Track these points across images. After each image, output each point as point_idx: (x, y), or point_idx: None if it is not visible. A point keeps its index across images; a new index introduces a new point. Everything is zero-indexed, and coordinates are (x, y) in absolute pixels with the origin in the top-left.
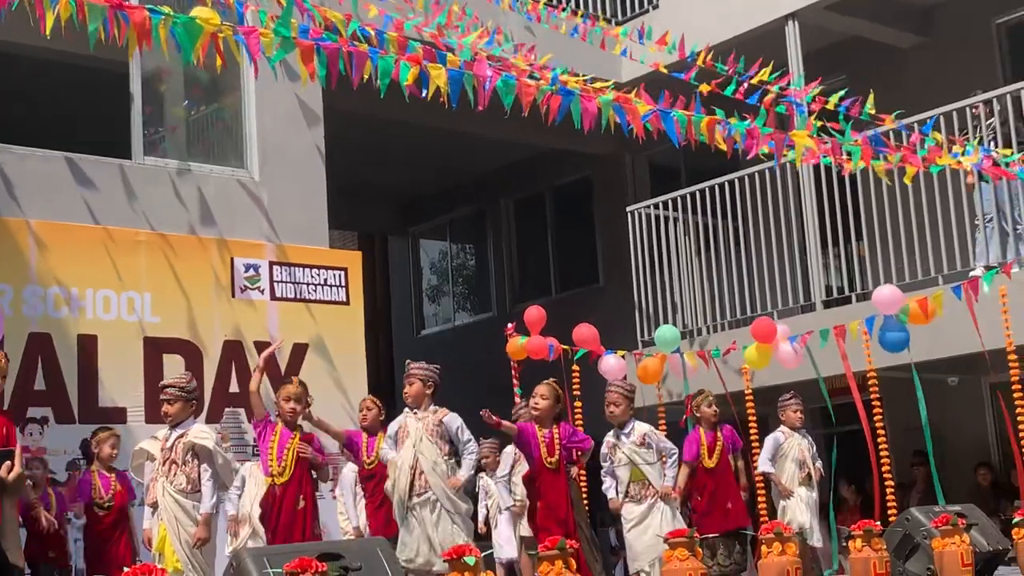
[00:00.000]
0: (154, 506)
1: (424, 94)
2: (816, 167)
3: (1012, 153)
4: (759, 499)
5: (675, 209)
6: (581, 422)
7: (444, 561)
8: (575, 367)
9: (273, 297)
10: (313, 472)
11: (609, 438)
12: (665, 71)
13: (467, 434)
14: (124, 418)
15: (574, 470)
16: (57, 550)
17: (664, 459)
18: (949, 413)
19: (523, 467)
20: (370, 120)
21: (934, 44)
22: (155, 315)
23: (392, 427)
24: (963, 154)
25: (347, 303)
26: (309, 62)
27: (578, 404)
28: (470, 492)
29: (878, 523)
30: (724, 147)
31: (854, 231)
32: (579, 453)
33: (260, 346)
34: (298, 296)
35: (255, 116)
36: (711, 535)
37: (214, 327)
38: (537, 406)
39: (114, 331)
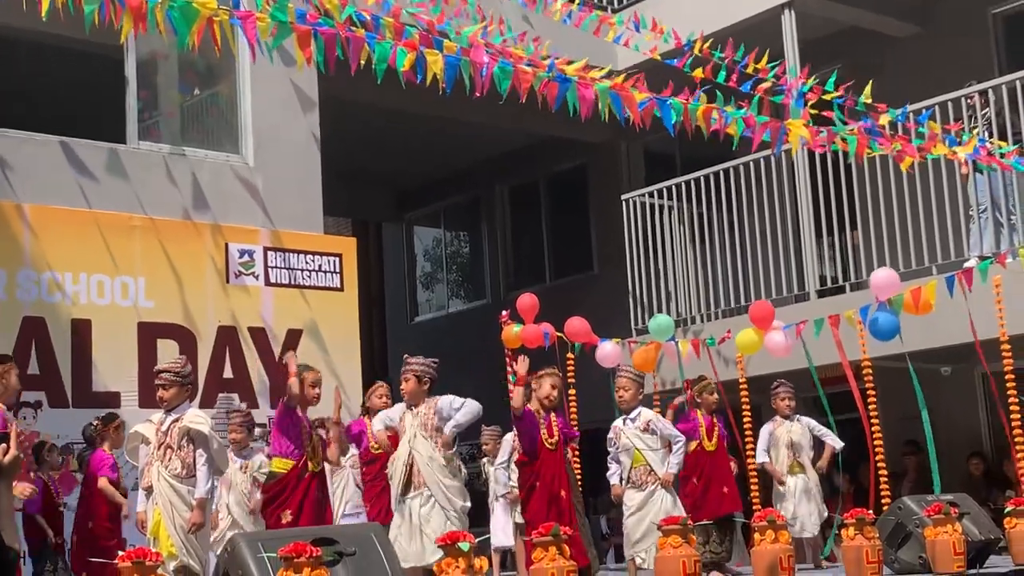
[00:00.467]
0: (148, 490)
1: (420, 80)
2: (811, 156)
3: (1007, 144)
4: (751, 488)
5: (670, 197)
6: (575, 410)
7: (438, 546)
8: (569, 355)
9: (267, 283)
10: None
11: (616, 423)
12: (660, 59)
13: (458, 401)
14: (118, 402)
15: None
16: (56, 535)
17: (670, 446)
18: (942, 403)
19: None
20: (365, 107)
21: (930, 34)
22: (149, 300)
23: (391, 412)
24: (960, 141)
25: (341, 289)
26: (306, 47)
27: (572, 392)
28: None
29: (871, 512)
30: (732, 133)
31: (848, 220)
32: (568, 440)
33: (254, 332)
34: (292, 282)
35: (250, 102)
36: (705, 521)
37: (208, 312)
38: (550, 397)
39: (108, 316)
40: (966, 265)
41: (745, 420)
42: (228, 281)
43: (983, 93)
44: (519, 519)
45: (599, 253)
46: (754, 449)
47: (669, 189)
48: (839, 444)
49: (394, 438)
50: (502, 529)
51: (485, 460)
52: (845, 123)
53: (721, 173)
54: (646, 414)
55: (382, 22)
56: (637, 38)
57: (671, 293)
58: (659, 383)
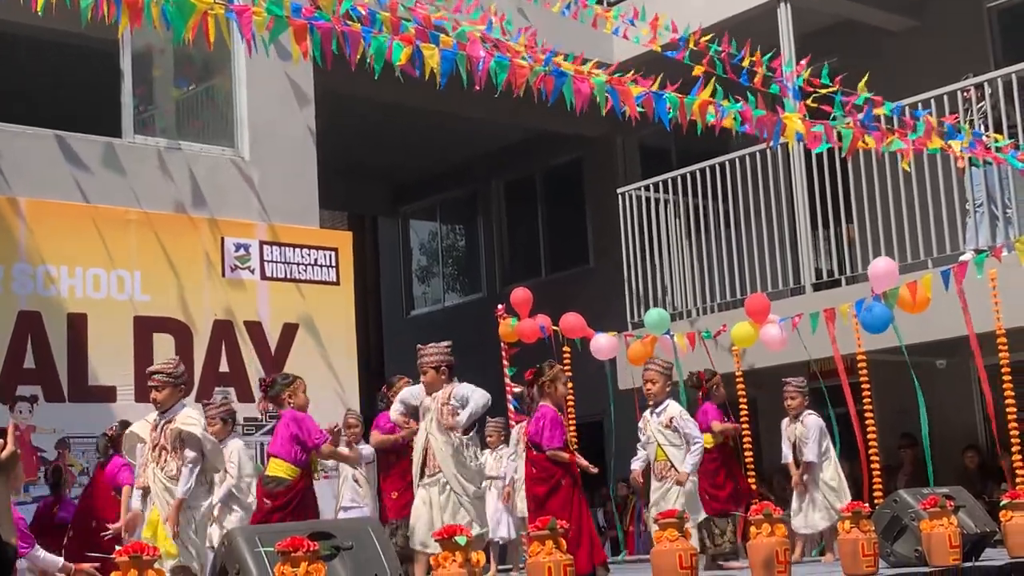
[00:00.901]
0: (145, 491)
1: (417, 74)
2: (807, 150)
3: (1002, 138)
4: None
5: (666, 191)
6: (572, 402)
7: (436, 541)
8: (566, 348)
9: (263, 277)
10: None
11: (645, 413)
12: (659, 50)
13: (474, 391)
14: (114, 397)
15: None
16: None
17: (689, 446)
18: (937, 396)
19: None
20: (361, 101)
21: (925, 27)
22: (145, 294)
23: (414, 389)
24: (957, 135)
25: (337, 283)
26: (302, 41)
27: (569, 385)
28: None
29: (866, 505)
30: (728, 127)
31: (844, 214)
32: None
33: (250, 326)
34: (288, 276)
35: (246, 96)
36: (718, 514)
37: (204, 306)
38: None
39: (104, 309)
40: (962, 259)
41: (742, 413)
42: (224, 275)
43: (979, 87)
44: (522, 512)
45: (595, 247)
46: (751, 443)
47: (665, 183)
48: (811, 457)
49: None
50: (497, 522)
51: (488, 451)
52: (844, 115)
53: (717, 167)
54: (671, 409)
55: (379, 16)
56: (634, 31)
57: (667, 286)
58: None
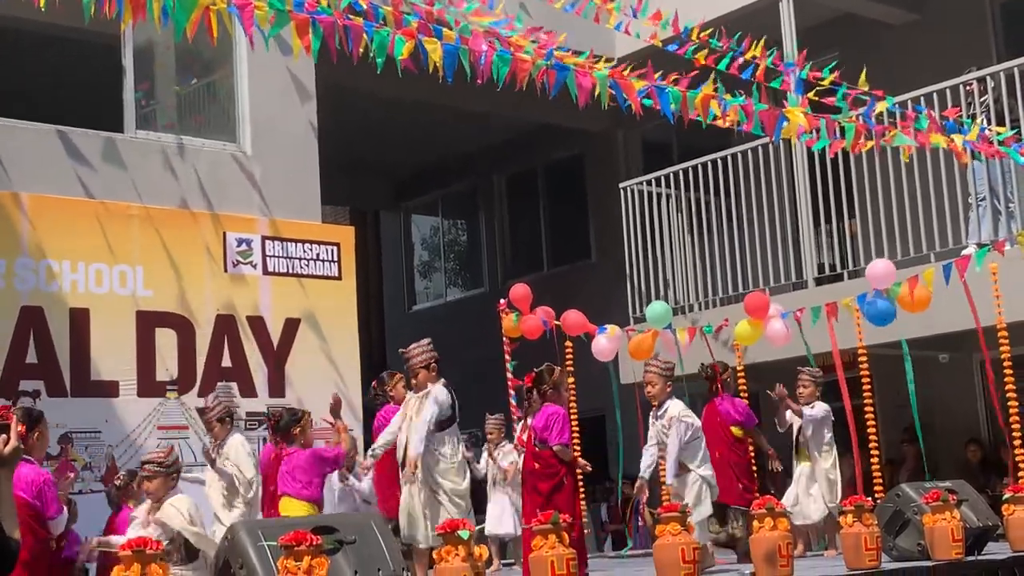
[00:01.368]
0: None
1: (421, 68)
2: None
3: (1005, 131)
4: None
5: (667, 185)
6: (574, 397)
7: (437, 535)
8: (568, 343)
9: (265, 271)
10: None
11: (651, 415)
12: (660, 45)
13: (438, 392)
14: (116, 392)
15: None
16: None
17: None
18: (939, 390)
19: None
20: (363, 95)
21: (927, 21)
22: (147, 289)
23: (391, 426)
24: (959, 129)
25: (339, 278)
26: (304, 35)
27: (571, 380)
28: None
29: (869, 499)
30: (723, 124)
31: (847, 208)
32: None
33: (252, 321)
34: (290, 271)
35: (248, 91)
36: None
37: (206, 301)
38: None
39: (106, 305)
40: (964, 253)
41: None
42: (226, 270)
43: (981, 80)
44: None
45: (597, 241)
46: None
47: (667, 177)
48: (808, 416)
49: None
50: (498, 517)
51: (486, 446)
52: (847, 110)
53: (719, 161)
54: (672, 409)
55: (381, 10)
56: (636, 25)
57: (669, 281)
58: None
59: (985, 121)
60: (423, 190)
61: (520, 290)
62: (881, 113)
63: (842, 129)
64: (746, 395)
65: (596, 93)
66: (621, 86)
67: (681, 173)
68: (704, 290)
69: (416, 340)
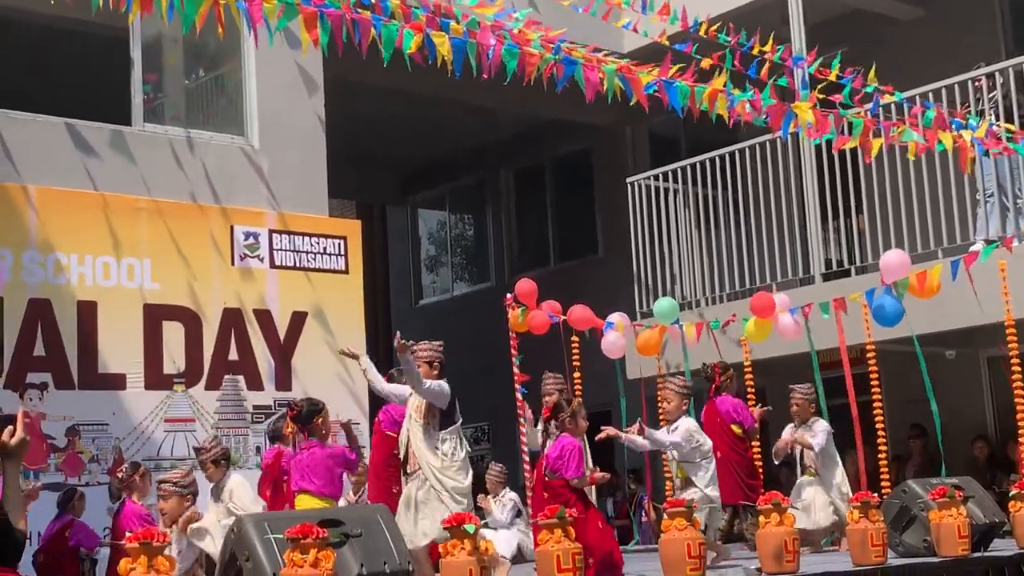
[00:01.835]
0: None
1: (429, 62)
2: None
3: (1013, 127)
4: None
5: (675, 181)
6: (580, 392)
7: (444, 529)
8: (574, 338)
9: (272, 265)
10: None
11: (661, 431)
12: (667, 43)
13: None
14: (123, 384)
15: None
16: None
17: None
18: (946, 386)
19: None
20: (370, 89)
21: (935, 17)
22: (155, 282)
23: (403, 388)
24: (966, 125)
25: (346, 272)
26: (312, 29)
27: (577, 375)
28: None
29: (875, 495)
30: (726, 117)
31: (854, 204)
32: None
33: (259, 314)
34: (297, 264)
35: (255, 84)
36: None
37: (213, 294)
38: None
39: (114, 297)
40: (972, 249)
41: (750, 403)
42: (233, 263)
43: (990, 76)
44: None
45: (604, 236)
46: (760, 433)
47: (674, 172)
48: (817, 443)
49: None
50: (503, 540)
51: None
52: (854, 104)
53: (727, 156)
54: (683, 425)
55: (389, 3)
56: (644, 22)
57: (676, 276)
58: (663, 366)
59: (993, 117)
60: (430, 184)
61: (526, 285)
62: (889, 109)
63: (850, 125)
64: (752, 390)
65: (604, 88)
66: (629, 81)
67: (689, 168)
68: (711, 286)
69: (423, 338)
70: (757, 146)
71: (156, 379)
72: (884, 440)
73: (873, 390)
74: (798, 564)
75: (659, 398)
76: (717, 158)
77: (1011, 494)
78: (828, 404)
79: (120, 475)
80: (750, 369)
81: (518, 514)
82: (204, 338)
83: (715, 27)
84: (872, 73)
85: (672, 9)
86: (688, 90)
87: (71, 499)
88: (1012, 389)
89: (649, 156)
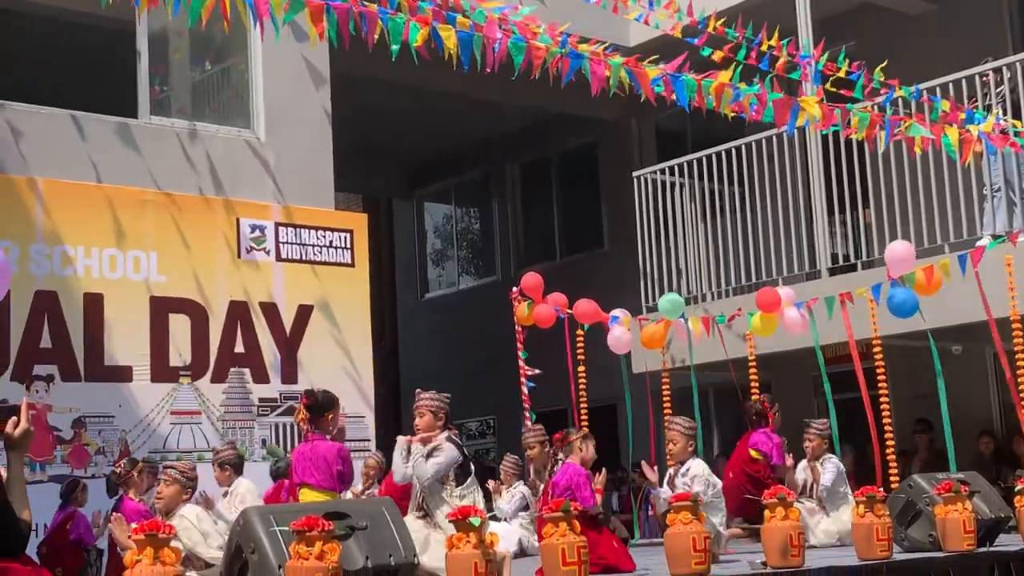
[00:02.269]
0: None
1: (436, 56)
2: (823, 134)
3: (1021, 123)
4: None
5: (681, 175)
6: (585, 386)
7: (450, 522)
8: (579, 332)
9: (279, 258)
10: None
11: (670, 471)
12: (679, 36)
13: (449, 449)
14: (130, 376)
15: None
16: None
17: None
18: (952, 381)
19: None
20: (376, 83)
21: (944, 11)
22: (161, 274)
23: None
24: (974, 119)
25: (352, 265)
26: (319, 22)
27: (582, 369)
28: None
29: (881, 489)
30: (730, 113)
31: (861, 198)
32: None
33: (265, 307)
34: (303, 257)
35: (262, 77)
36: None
37: (219, 287)
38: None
39: (120, 290)
40: (979, 244)
41: (754, 396)
42: (239, 256)
43: (997, 71)
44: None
45: (610, 230)
46: None
47: (680, 166)
48: (826, 482)
49: None
50: (504, 535)
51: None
52: (862, 98)
53: (733, 150)
54: (695, 469)
55: None
56: (651, 16)
57: (681, 270)
58: (668, 361)
59: (1001, 112)
60: (436, 178)
61: (532, 279)
62: (897, 103)
63: (856, 117)
64: (756, 385)
65: (610, 83)
66: (636, 74)
67: (695, 162)
68: (717, 280)
69: (429, 333)
70: (764, 140)
71: (162, 371)
72: (891, 435)
73: (880, 385)
74: (803, 558)
75: (666, 439)
76: (723, 152)
77: (1016, 489)
78: (832, 399)
79: (118, 470)
80: (754, 363)
81: (524, 508)
82: (210, 331)
83: (722, 21)
84: (879, 70)
85: (678, 4)
86: (695, 84)
87: (74, 490)
88: (1014, 384)
89: (655, 150)
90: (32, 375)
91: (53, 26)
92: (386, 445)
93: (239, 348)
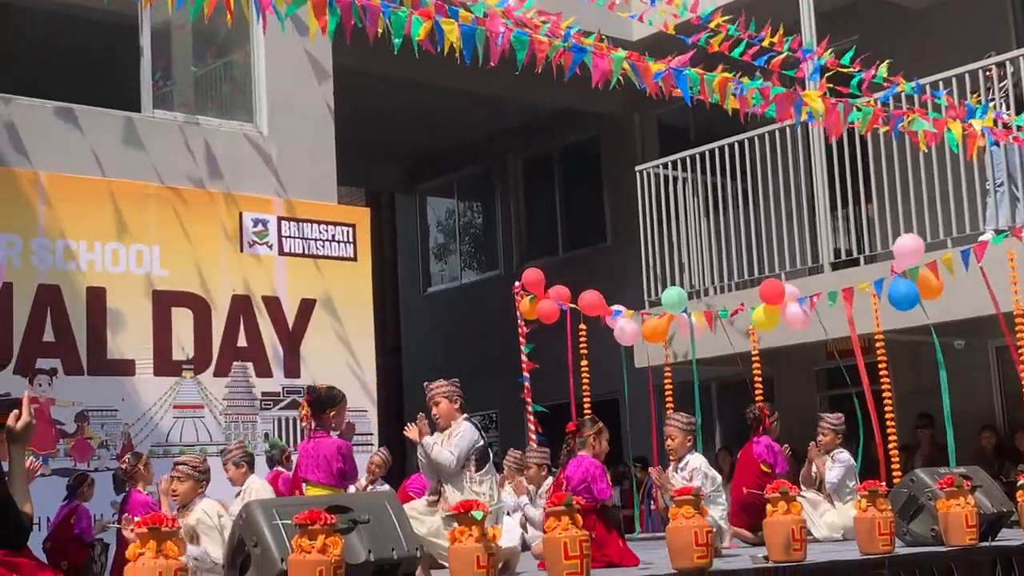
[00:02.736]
0: None
1: (438, 50)
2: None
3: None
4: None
5: (683, 169)
6: (587, 381)
7: (451, 516)
8: (582, 325)
9: (281, 252)
10: None
11: (668, 470)
12: (675, 32)
13: (467, 430)
14: (132, 370)
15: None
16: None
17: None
18: (955, 376)
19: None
20: (379, 77)
21: (946, 6)
22: (163, 268)
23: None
24: (976, 114)
25: (355, 259)
26: (321, 16)
27: (584, 363)
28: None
29: (883, 484)
30: (735, 107)
31: (864, 193)
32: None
33: (268, 301)
34: (306, 252)
35: (264, 71)
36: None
37: (222, 281)
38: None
39: (123, 284)
40: (981, 239)
41: (757, 392)
42: (242, 250)
43: (1000, 65)
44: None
45: (612, 225)
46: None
47: (683, 160)
48: (833, 479)
49: None
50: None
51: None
52: (860, 95)
53: (736, 144)
54: (694, 462)
55: None
56: (652, 12)
57: (684, 265)
58: (671, 355)
59: (1004, 106)
60: (439, 172)
61: (533, 275)
62: (900, 98)
63: (859, 111)
64: (760, 380)
65: (611, 76)
66: (638, 69)
67: (698, 156)
68: (720, 274)
69: (431, 327)
70: (766, 134)
71: (165, 365)
72: (893, 429)
73: (882, 380)
74: (805, 553)
75: (666, 434)
76: (726, 146)
77: (1019, 484)
78: (832, 394)
79: (124, 466)
80: (757, 358)
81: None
82: (213, 325)
83: (725, 19)
84: (884, 66)
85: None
86: (697, 78)
87: (80, 485)
88: (1020, 379)
89: (658, 144)
90: (35, 369)
91: (56, 21)
92: (388, 440)
93: (242, 342)
